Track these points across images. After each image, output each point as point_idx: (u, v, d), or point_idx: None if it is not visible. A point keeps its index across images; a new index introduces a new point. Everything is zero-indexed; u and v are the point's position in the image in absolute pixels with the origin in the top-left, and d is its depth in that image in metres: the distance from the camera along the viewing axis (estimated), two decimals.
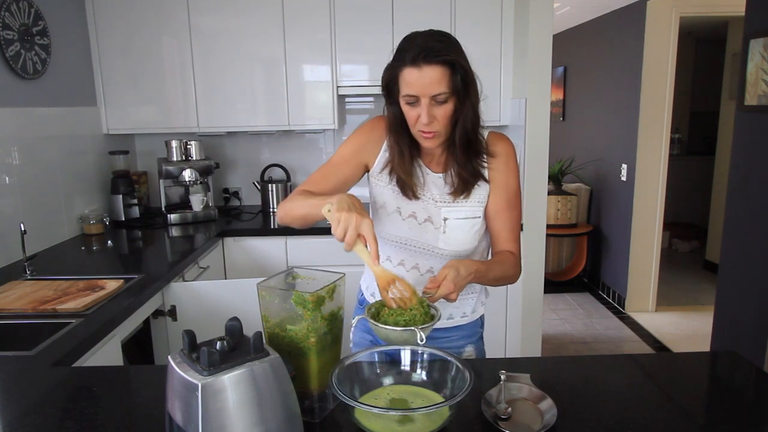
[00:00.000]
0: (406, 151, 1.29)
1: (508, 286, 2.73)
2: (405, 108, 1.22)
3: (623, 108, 4.20)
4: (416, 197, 1.31)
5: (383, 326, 1.03)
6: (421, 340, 1.01)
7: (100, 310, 1.63)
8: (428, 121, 1.19)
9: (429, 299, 1.10)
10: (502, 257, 1.31)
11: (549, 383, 1.10)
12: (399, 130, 1.28)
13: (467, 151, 1.28)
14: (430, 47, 1.15)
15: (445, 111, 1.20)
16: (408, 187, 1.30)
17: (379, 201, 1.35)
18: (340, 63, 2.87)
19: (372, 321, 1.04)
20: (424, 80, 1.15)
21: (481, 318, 1.49)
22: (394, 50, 1.22)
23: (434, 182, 1.32)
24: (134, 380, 1.26)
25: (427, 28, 1.24)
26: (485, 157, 1.31)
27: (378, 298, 1.42)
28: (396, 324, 1.06)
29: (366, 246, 1.06)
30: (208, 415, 0.79)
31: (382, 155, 1.34)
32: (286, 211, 1.26)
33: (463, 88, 1.19)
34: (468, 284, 1.18)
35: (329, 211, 1.06)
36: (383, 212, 1.34)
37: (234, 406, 0.80)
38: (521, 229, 2.66)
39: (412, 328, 1.00)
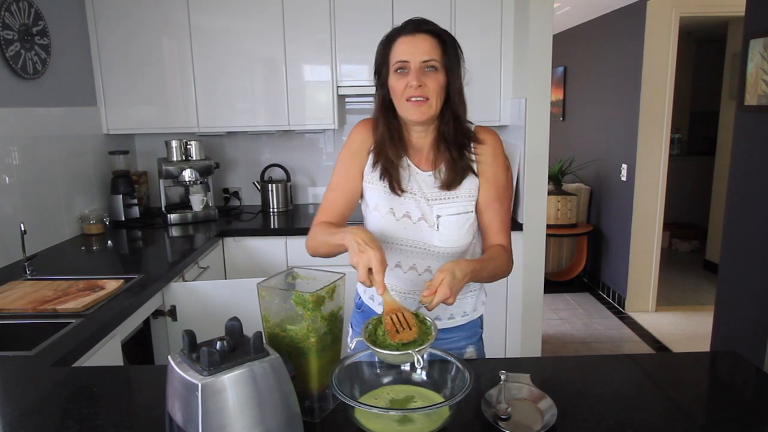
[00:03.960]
0: (395, 133, 1.31)
1: (508, 286, 2.76)
2: (394, 80, 1.25)
3: (623, 108, 4.20)
4: (402, 190, 1.31)
5: (381, 350, 1.01)
6: (418, 363, 1.00)
7: (100, 310, 1.63)
8: (417, 83, 1.22)
9: (427, 307, 1.09)
10: (494, 252, 1.31)
11: (549, 383, 1.10)
12: (387, 113, 1.31)
13: (455, 140, 1.30)
14: (424, 20, 1.25)
15: (435, 80, 1.23)
16: (394, 180, 1.30)
17: (371, 203, 1.35)
18: (340, 63, 2.87)
19: (370, 345, 1.02)
20: (416, 46, 1.22)
21: (481, 318, 1.49)
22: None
23: (424, 180, 1.33)
24: (134, 380, 1.26)
25: None
26: (473, 146, 1.32)
27: (375, 299, 1.43)
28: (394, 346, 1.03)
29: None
30: (208, 415, 0.79)
31: (371, 154, 1.35)
32: (313, 250, 1.34)
33: (455, 63, 1.26)
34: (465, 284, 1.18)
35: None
36: (377, 214, 1.34)
37: (234, 406, 0.80)
38: (521, 229, 2.69)
39: (410, 351, 0.99)
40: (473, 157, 1.32)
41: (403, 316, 1.06)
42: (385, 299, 1.09)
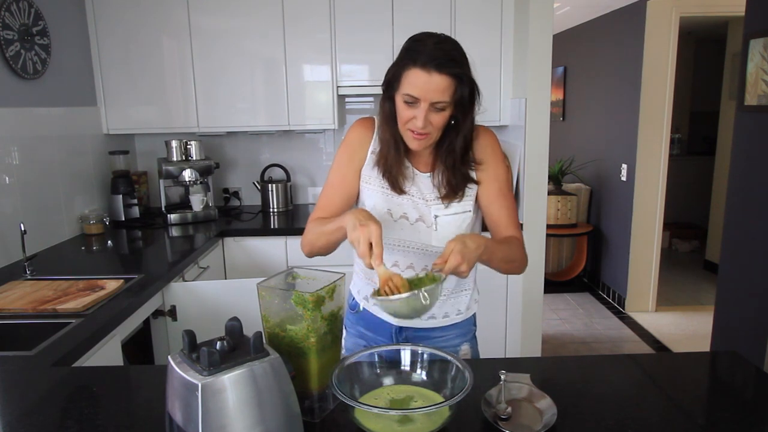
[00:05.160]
0: (401, 143, 1.30)
1: (508, 286, 2.76)
2: (401, 106, 1.22)
3: (623, 108, 4.20)
4: (403, 191, 1.31)
5: (389, 298, 1.04)
6: (426, 300, 1.01)
7: (100, 310, 1.63)
8: (423, 125, 1.20)
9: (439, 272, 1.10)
10: (507, 239, 1.31)
11: (549, 383, 1.10)
12: (392, 124, 1.29)
13: (454, 162, 1.29)
14: (444, 56, 1.15)
15: (440, 118, 1.21)
16: (396, 181, 1.31)
17: (368, 204, 1.35)
18: (340, 63, 2.87)
19: (379, 298, 1.05)
20: (431, 86, 1.16)
21: (474, 316, 1.50)
22: (402, 47, 1.22)
23: (422, 181, 1.33)
24: (134, 380, 1.26)
25: (429, 30, 1.24)
26: (473, 164, 1.33)
27: (369, 299, 1.44)
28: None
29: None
30: (208, 415, 0.79)
31: (370, 154, 1.35)
32: (310, 246, 1.32)
33: (469, 101, 1.22)
34: (475, 264, 1.17)
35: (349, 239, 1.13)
36: (374, 215, 1.33)
37: (234, 406, 0.80)
38: (521, 229, 2.69)
39: (416, 291, 1.00)
40: (472, 167, 1.33)
41: (393, 283, 1.09)
42: (378, 272, 1.10)
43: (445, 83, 1.16)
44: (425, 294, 1.00)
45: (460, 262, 1.07)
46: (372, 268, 1.09)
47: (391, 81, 1.24)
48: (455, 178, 1.30)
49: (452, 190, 1.30)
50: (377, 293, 1.10)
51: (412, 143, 1.26)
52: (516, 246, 1.30)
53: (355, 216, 1.12)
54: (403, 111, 1.22)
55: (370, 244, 1.08)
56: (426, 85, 1.16)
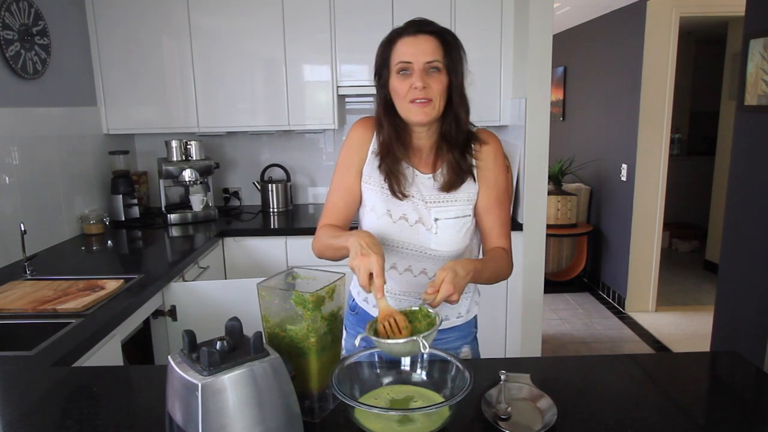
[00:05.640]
0: (401, 132, 1.29)
1: (509, 286, 2.76)
2: (397, 83, 1.23)
3: (623, 108, 4.20)
4: (404, 195, 1.30)
5: (385, 341, 1.02)
6: (424, 348, 1.00)
7: (100, 310, 1.63)
8: (422, 85, 1.20)
9: (431, 304, 1.09)
10: (495, 254, 1.32)
11: (549, 383, 1.10)
12: (390, 114, 1.28)
13: (458, 140, 1.29)
14: (426, 21, 1.25)
15: (438, 81, 1.22)
16: (398, 181, 1.29)
17: (368, 204, 1.35)
18: (340, 63, 2.87)
19: (374, 338, 1.02)
20: (419, 46, 1.21)
21: (475, 318, 1.49)
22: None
23: (423, 183, 1.32)
24: (134, 380, 1.26)
25: None
26: (474, 149, 1.32)
27: (369, 301, 1.43)
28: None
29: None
30: (208, 415, 0.79)
31: (371, 153, 1.35)
32: (319, 252, 1.35)
33: (458, 63, 1.25)
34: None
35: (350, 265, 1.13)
36: (373, 216, 1.33)
37: (234, 406, 0.80)
38: (521, 229, 2.69)
39: (414, 338, 0.99)
40: (474, 161, 1.32)
41: (395, 321, 1.07)
42: (380, 305, 1.09)
43: (432, 42, 1.22)
44: (425, 342, 0.99)
45: (452, 292, 1.08)
46: (370, 291, 1.09)
47: (381, 67, 1.26)
48: (455, 163, 1.29)
49: (452, 175, 1.29)
50: (374, 328, 1.08)
51: (418, 115, 1.23)
52: (502, 259, 1.31)
53: (359, 242, 1.11)
54: (400, 86, 1.23)
55: (371, 273, 1.07)
56: (415, 47, 1.21)
